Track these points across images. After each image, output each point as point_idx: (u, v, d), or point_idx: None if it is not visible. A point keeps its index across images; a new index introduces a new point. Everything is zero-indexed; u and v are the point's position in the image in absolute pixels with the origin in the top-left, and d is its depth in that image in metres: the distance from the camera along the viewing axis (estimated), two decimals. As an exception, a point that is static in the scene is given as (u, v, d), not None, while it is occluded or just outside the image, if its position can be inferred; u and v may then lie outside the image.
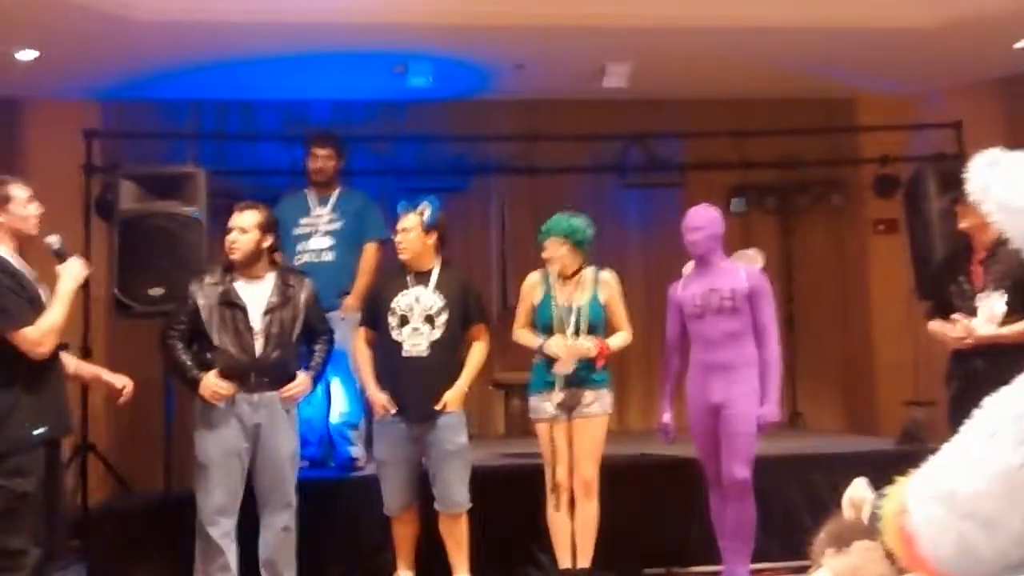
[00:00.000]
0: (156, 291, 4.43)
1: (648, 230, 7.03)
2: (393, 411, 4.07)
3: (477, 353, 4.21)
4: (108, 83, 6.07)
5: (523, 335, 4.26)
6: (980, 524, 1.10)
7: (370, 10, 5.20)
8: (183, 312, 3.94)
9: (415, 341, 4.06)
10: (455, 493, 4.09)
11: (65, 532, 3.48)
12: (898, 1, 5.47)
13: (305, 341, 4.07)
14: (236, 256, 3.98)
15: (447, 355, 4.10)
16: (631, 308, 4.41)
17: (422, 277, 4.15)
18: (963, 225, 3.81)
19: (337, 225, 5.00)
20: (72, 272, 3.40)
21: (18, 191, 3.36)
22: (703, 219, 4.18)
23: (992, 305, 3.77)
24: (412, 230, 4.12)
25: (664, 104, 6.80)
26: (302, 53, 5.66)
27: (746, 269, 4.21)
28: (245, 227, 3.98)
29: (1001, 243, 3.68)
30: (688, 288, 4.21)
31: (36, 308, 3.26)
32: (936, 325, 3.98)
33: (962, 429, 1.15)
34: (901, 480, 1.25)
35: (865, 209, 7.02)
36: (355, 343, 4.33)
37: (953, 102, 6.47)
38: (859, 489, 1.48)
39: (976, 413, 1.14)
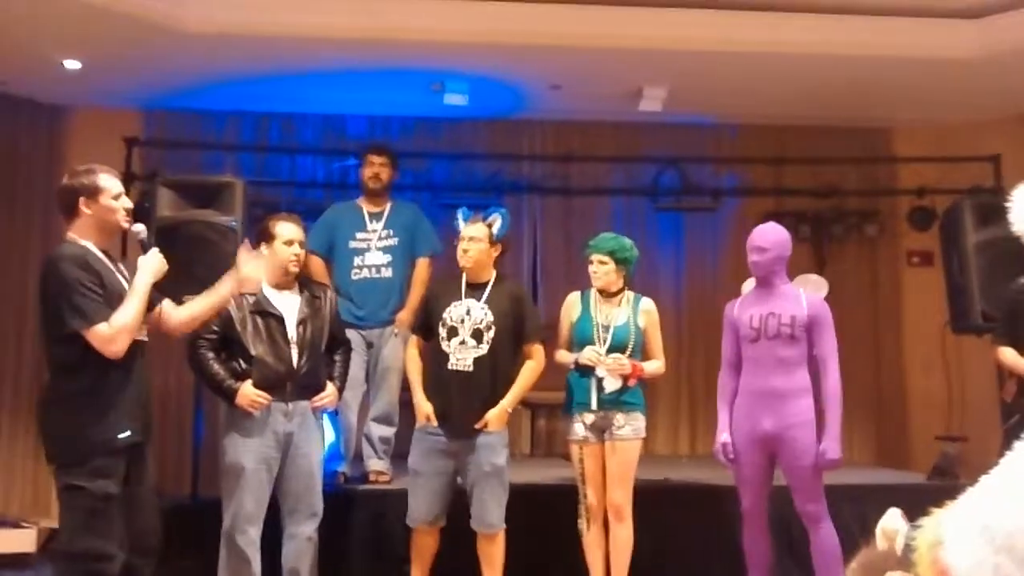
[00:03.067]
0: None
1: (679, 255, 7.02)
2: (435, 423, 4.04)
3: (527, 372, 4.11)
4: (150, 92, 6.17)
5: (561, 355, 4.24)
6: (1017, 560, 1.09)
7: (409, 28, 5.26)
8: (214, 321, 3.90)
9: (461, 355, 4.01)
10: (489, 514, 4.03)
11: (153, 537, 3.25)
12: (945, 31, 5.45)
13: (326, 351, 4.09)
14: (298, 270, 4.03)
15: (492, 372, 4.02)
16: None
17: (475, 290, 4.09)
18: None
19: (393, 241, 5.00)
20: (148, 265, 3.25)
21: (109, 183, 3.23)
22: (769, 240, 3.96)
23: None
24: (481, 240, 4.07)
25: (700, 129, 6.81)
26: (342, 68, 5.73)
27: (808, 296, 4.00)
28: (304, 242, 4.05)
29: None
30: (746, 309, 4.02)
31: (116, 305, 3.12)
32: (1009, 356, 3.89)
33: (1002, 462, 1.14)
34: (937, 512, 1.24)
35: (900, 240, 6.97)
36: (408, 350, 4.30)
37: (991, 135, 6.42)
38: (893, 520, 1.47)
39: (1018, 446, 1.13)
